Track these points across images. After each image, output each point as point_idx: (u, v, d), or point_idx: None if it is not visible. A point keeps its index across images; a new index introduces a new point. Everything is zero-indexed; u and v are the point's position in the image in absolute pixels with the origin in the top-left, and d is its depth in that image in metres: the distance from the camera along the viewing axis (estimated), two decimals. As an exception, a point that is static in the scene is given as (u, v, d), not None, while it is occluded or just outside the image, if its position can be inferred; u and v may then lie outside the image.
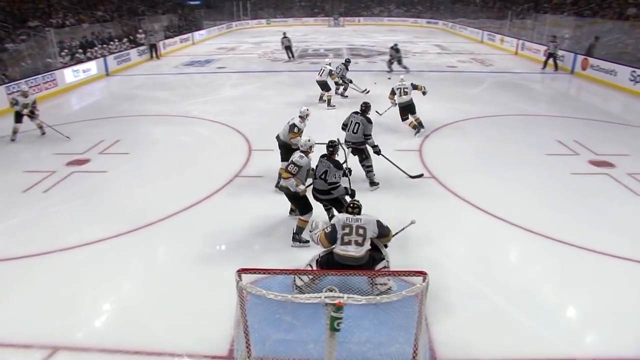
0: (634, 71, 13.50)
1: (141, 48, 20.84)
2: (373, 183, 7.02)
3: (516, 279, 4.92)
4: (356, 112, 7.17)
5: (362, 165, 7.08)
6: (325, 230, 4.39)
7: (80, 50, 17.38)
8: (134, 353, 3.92)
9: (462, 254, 5.39)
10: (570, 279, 4.92)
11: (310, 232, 4.71)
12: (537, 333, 4.12)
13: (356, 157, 7.17)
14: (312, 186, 5.59)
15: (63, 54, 16.37)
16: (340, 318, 2.78)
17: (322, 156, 5.57)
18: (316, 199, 5.60)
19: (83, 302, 4.60)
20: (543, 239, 5.63)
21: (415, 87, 9.61)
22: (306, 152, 5.47)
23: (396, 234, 4.64)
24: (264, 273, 3.21)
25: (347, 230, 4.21)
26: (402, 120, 9.68)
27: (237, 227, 5.94)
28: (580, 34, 18.87)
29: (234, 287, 3.03)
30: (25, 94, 9.54)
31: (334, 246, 4.28)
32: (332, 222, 4.43)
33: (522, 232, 5.79)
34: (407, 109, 9.57)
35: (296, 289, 4.19)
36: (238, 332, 3.32)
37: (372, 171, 7.02)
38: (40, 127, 9.80)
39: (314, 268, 4.47)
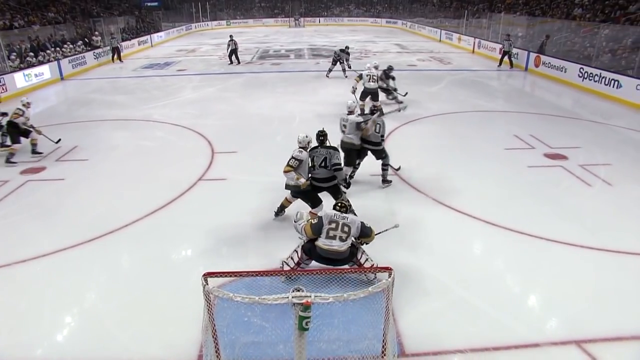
0: (581, 68, 14.19)
1: (98, 51, 20.17)
2: (386, 181, 7.05)
3: (479, 270, 5.07)
4: (364, 114, 7.02)
5: (382, 164, 7.02)
6: (312, 221, 4.58)
7: (32, 54, 16.66)
8: (99, 365, 3.81)
9: (426, 247, 5.51)
10: (530, 267, 5.11)
11: (295, 222, 4.79)
12: (500, 321, 4.26)
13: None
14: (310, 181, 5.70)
15: (12, 57, 15.65)
16: (309, 317, 2.80)
17: (314, 148, 5.79)
18: (315, 189, 5.75)
19: (42, 316, 4.42)
20: (504, 230, 5.83)
21: None
22: (305, 147, 5.64)
23: (378, 233, 4.80)
24: (231, 276, 3.18)
25: (333, 225, 4.43)
26: (360, 100, 10.43)
27: (202, 231, 5.85)
28: (532, 33, 19.66)
29: (201, 291, 2.99)
30: (27, 105, 8.74)
31: (317, 237, 4.46)
32: (320, 214, 4.64)
33: (483, 225, 5.97)
34: (368, 94, 10.38)
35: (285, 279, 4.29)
36: (207, 337, 3.28)
37: (387, 169, 7.06)
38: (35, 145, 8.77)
39: (296, 258, 4.67)
